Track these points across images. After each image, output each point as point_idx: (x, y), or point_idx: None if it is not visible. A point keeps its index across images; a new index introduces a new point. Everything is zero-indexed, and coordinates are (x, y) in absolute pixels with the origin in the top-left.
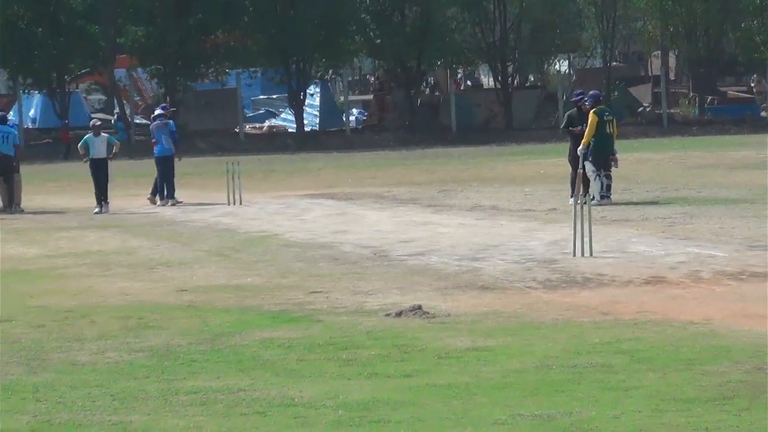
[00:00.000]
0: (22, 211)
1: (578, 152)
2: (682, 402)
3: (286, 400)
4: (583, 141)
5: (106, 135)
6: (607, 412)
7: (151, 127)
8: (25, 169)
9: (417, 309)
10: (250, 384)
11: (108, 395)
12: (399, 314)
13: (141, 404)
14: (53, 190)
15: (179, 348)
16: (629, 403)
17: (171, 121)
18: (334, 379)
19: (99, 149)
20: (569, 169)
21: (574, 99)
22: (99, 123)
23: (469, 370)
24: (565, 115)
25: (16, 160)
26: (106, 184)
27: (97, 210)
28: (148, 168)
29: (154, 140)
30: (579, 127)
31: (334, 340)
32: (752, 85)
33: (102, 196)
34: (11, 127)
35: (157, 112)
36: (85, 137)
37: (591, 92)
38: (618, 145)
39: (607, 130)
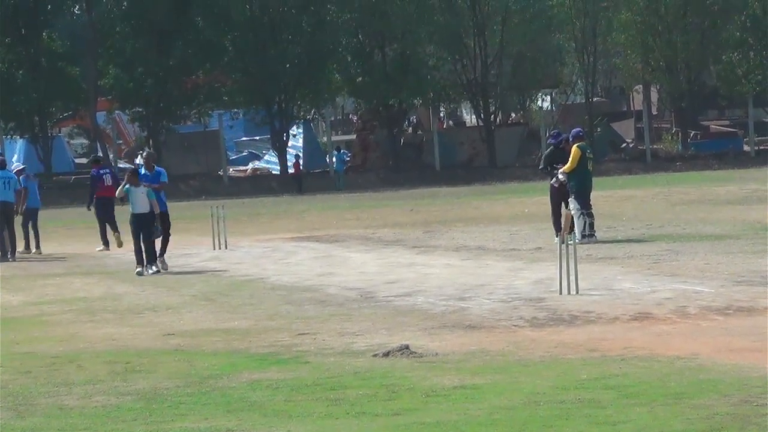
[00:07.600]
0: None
1: (558, 175)
2: None
3: None
4: (565, 167)
5: (146, 188)
6: None
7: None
8: None
9: (404, 349)
10: (237, 425)
11: None
12: (386, 354)
13: None
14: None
15: (167, 391)
16: None
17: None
18: (321, 419)
19: (141, 203)
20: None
21: (550, 141)
22: (133, 169)
23: (457, 407)
24: (543, 155)
25: (17, 207)
26: (149, 240)
27: (139, 270)
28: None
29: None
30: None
31: (321, 380)
32: None
33: (149, 255)
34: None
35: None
36: (126, 186)
37: (573, 130)
38: (602, 182)
39: (589, 167)
